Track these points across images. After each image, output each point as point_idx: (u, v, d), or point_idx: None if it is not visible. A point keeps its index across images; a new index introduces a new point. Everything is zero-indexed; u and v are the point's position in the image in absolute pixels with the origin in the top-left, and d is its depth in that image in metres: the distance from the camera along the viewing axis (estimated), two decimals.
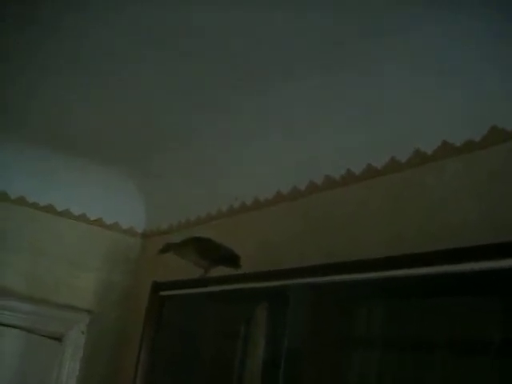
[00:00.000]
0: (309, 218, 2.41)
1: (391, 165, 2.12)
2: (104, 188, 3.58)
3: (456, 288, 1.57)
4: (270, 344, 2.07)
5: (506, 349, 1.41)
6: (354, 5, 1.74)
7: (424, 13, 1.70)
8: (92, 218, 3.61)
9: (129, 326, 3.46)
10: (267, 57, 2.10)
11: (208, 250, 2.45)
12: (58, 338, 3.39)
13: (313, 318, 1.98)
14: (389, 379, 1.75)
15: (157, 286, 2.67)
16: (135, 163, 3.32)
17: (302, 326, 1.99)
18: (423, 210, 1.93)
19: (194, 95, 2.45)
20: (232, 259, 2.39)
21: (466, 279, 1.52)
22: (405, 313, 1.71)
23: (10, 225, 3.38)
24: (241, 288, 2.22)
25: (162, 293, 2.65)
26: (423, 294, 1.66)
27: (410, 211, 1.98)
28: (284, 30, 1.92)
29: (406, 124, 2.07)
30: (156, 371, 2.59)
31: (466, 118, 1.90)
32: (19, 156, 3.29)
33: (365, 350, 1.86)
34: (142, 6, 1.89)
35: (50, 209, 3.48)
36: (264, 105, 2.42)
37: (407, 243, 1.88)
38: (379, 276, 1.74)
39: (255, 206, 2.76)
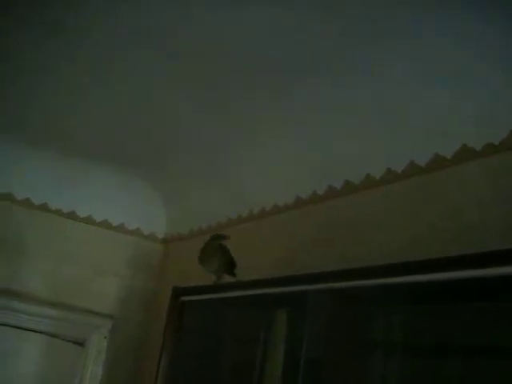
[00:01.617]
0: (328, 223, 2.40)
1: (410, 169, 2.11)
2: (126, 194, 3.61)
3: (476, 293, 1.56)
4: (290, 349, 2.07)
5: None
6: (356, 6, 1.75)
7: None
8: (114, 224, 3.65)
9: (150, 331, 3.48)
10: (287, 58, 2.09)
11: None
12: (81, 343, 3.43)
13: (332, 324, 1.98)
14: None
15: (177, 292, 2.69)
16: (157, 169, 3.35)
17: (321, 332, 1.99)
18: (442, 215, 1.92)
19: (216, 105, 2.46)
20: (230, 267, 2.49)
21: (485, 284, 1.51)
22: (424, 318, 1.70)
23: (33, 231, 3.42)
24: (260, 293, 2.22)
25: (183, 298, 2.67)
26: (443, 299, 1.65)
27: (428, 216, 1.97)
28: (294, 34, 1.93)
29: (424, 127, 2.05)
30: (177, 376, 2.61)
31: (485, 122, 1.89)
32: (41, 163, 3.33)
33: (384, 356, 1.85)
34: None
35: (72, 215, 3.53)
36: (286, 108, 2.42)
37: (426, 248, 1.87)
38: (398, 281, 1.74)
39: (274, 211, 2.77)
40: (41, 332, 3.33)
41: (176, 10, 1.90)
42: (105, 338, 3.47)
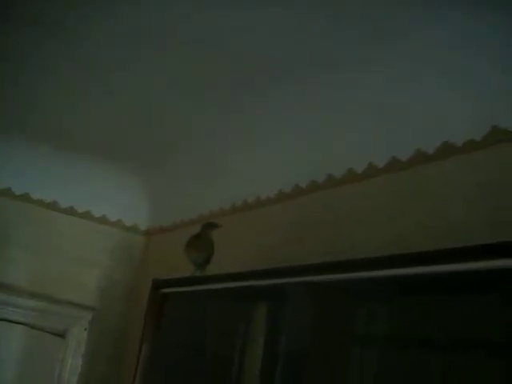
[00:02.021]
0: (310, 216, 2.41)
1: (392, 164, 2.12)
2: (108, 185, 3.58)
3: (457, 287, 1.57)
4: (269, 342, 2.07)
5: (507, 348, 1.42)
6: (356, 6, 1.75)
7: (424, 13, 1.70)
8: (96, 215, 3.62)
9: (131, 323, 3.47)
10: (274, 58, 2.10)
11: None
12: (61, 335, 3.41)
13: (311, 317, 1.98)
14: (387, 378, 1.74)
15: (158, 284, 2.68)
16: (139, 161, 3.33)
17: (300, 324, 1.99)
18: (424, 209, 1.93)
19: (197, 93, 2.45)
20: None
21: (467, 278, 1.52)
22: (404, 312, 1.71)
23: (15, 221, 3.39)
24: (241, 286, 2.22)
25: (163, 290, 2.66)
26: (422, 292, 1.66)
27: (410, 210, 1.98)
28: (290, 31, 1.93)
29: (407, 124, 2.06)
30: (156, 368, 2.60)
31: (466, 118, 1.90)
32: (23, 153, 3.30)
33: (363, 349, 1.86)
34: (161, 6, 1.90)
35: (54, 206, 3.50)
36: (269, 105, 2.42)
37: (408, 242, 1.88)
38: (379, 275, 1.75)
39: (257, 204, 2.76)
40: (21, 323, 3.30)
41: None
42: (85, 329, 3.45)
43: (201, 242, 2.53)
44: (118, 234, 3.68)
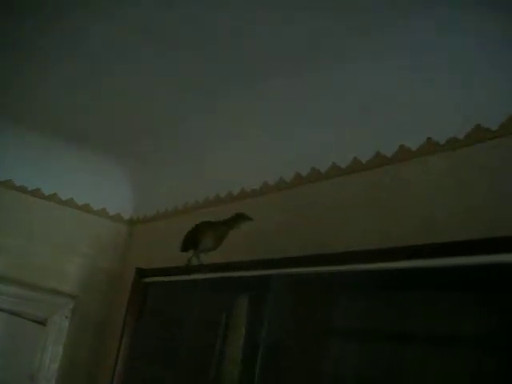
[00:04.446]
0: (294, 210, 2.42)
1: (376, 159, 2.14)
2: (92, 174, 3.58)
3: (437, 282, 1.59)
4: (251, 333, 2.09)
5: (481, 341, 1.44)
6: (343, 4, 1.76)
7: (411, 12, 1.72)
8: (79, 203, 3.61)
9: (113, 312, 3.47)
10: (257, 49, 2.10)
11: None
12: (42, 322, 3.40)
13: (294, 308, 1.99)
14: (366, 369, 1.76)
15: (141, 273, 2.68)
16: (124, 150, 3.32)
17: (282, 316, 2.01)
18: (407, 204, 1.95)
19: (187, 85, 2.45)
20: None
21: (447, 274, 1.54)
22: (386, 305, 1.73)
23: None
24: (223, 277, 2.23)
25: (146, 279, 2.66)
26: (404, 287, 1.68)
27: (392, 205, 2.00)
28: (277, 27, 1.94)
29: (391, 120, 2.08)
30: (138, 357, 2.60)
31: (451, 116, 1.92)
32: (6, 140, 3.28)
33: (343, 341, 1.88)
34: None
35: (37, 193, 3.48)
36: (255, 96, 2.42)
37: (390, 237, 1.90)
38: (361, 268, 1.76)
39: (242, 196, 2.78)
40: (1, 310, 3.29)
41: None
42: (66, 317, 3.45)
43: (222, 230, 2.39)
44: (102, 222, 3.68)
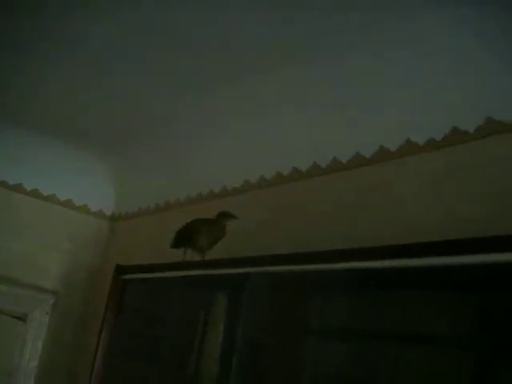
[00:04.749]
0: (275, 208, 2.43)
1: (356, 160, 2.15)
2: (75, 170, 3.55)
3: (414, 282, 1.61)
4: (229, 331, 2.09)
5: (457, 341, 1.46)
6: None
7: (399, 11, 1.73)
8: (61, 199, 3.59)
9: (94, 308, 3.46)
10: (241, 47, 2.10)
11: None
12: (22, 318, 3.37)
13: (272, 306, 2.01)
14: (345, 369, 1.77)
15: (120, 270, 2.68)
16: (107, 146, 3.30)
17: (260, 314, 2.02)
18: (385, 205, 1.97)
19: (169, 82, 2.44)
20: None
21: (424, 273, 1.56)
22: (363, 304, 1.74)
23: None
24: (202, 274, 2.23)
25: (125, 276, 2.66)
26: (383, 286, 1.70)
27: (372, 205, 2.01)
28: (262, 25, 1.94)
29: (370, 121, 2.10)
30: (117, 353, 2.60)
31: (429, 118, 1.94)
32: None
33: (321, 340, 1.89)
34: None
35: (19, 188, 3.45)
36: (238, 96, 2.42)
37: (368, 237, 1.91)
38: (339, 267, 1.78)
39: (223, 194, 2.78)
40: None
41: None
42: (47, 313, 3.43)
43: (215, 228, 2.37)
44: (83, 218, 3.65)
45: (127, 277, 2.66)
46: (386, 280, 1.68)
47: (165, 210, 3.23)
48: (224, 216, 2.37)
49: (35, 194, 3.50)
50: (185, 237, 2.44)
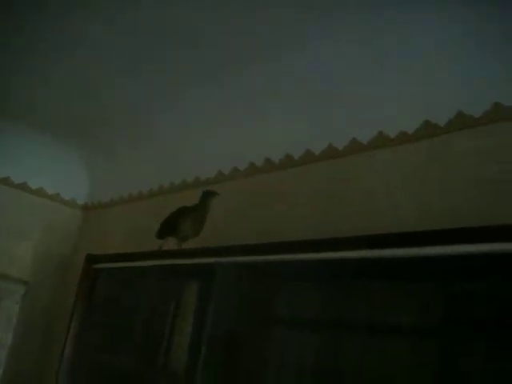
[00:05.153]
0: (248, 198, 2.43)
1: (328, 151, 2.16)
2: (47, 158, 3.51)
3: (382, 273, 1.62)
4: (199, 321, 2.09)
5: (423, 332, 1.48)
6: None
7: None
8: (33, 188, 3.54)
9: (64, 298, 3.42)
10: (215, 43, 2.09)
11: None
12: None
13: (241, 297, 2.01)
14: (310, 359, 1.78)
15: (91, 259, 2.66)
16: (81, 136, 3.26)
17: (230, 304, 2.02)
18: (356, 196, 1.98)
19: (143, 72, 2.42)
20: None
21: (392, 264, 1.57)
22: (333, 294, 1.75)
23: None
24: (172, 264, 2.23)
25: (96, 265, 2.63)
26: (351, 276, 1.71)
27: (343, 196, 2.02)
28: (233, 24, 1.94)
29: (344, 113, 2.10)
30: (86, 343, 2.58)
31: (402, 111, 1.95)
32: None
33: (289, 330, 1.89)
34: None
35: None
36: (215, 86, 2.41)
37: (338, 228, 1.92)
38: (307, 258, 1.79)
39: (196, 184, 2.77)
40: None
41: None
42: (17, 303, 3.39)
43: (199, 213, 2.33)
44: (55, 207, 3.61)
45: (99, 266, 2.64)
46: (356, 270, 1.69)
47: (138, 199, 3.21)
48: (209, 195, 2.35)
49: (6, 182, 3.45)
50: (169, 227, 2.40)
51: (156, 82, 2.47)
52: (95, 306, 2.61)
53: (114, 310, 2.59)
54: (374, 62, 1.92)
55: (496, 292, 1.35)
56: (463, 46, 1.72)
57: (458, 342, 1.41)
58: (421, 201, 1.77)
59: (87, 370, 2.57)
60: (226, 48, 2.10)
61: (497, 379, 1.29)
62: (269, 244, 1.91)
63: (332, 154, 2.15)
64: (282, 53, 2.06)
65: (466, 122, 1.74)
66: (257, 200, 2.38)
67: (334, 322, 1.74)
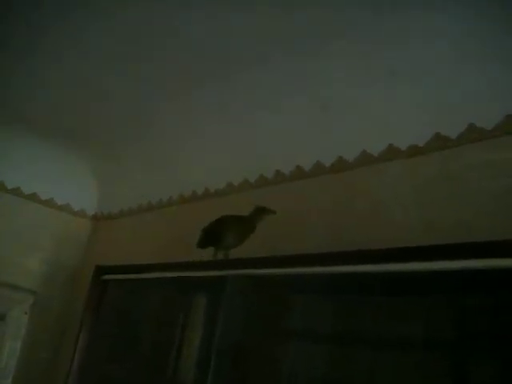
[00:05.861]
0: None
1: (338, 164, 2.15)
2: (58, 169, 3.52)
3: (392, 286, 1.61)
4: (208, 333, 2.08)
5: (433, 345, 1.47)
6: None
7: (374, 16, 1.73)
8: (43, 198, 3.55)
9: (73, 309, 3.42)
10: (225, 50, 2.10)
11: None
12: (1, 317, 3.34)
13: (250, 310, 2.00)
14: (321, 371, 1.77)
15: (100, 270, 2.66)
16: (91, 147, 3.28)
17: (238, 316, 2.01)
18: (366, 208, 1.97)
19: (155, 84, 2.43)
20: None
21: (404, 279, 1.56)
22: (344, 308, 1.74)
23: None
24: (182, 276, 2.22)
25: (105, 277, 2.63)
26: (359, 290, 1.70)
27: (352, 208, 2.02)
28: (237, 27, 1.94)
29: (355, 125, 2.10)
30: (95, 354, 2.58)
31: (413, 123, 1.95)
32: None
33: (299, 342, 1.89)
34: None
35: (0, 186, 3.42)
36: (223, 98, 2.41)
37: (349, 241, 1.91)
38: (318, 271, 1.78)
39: (205, 196, 2.77)
40: None
41: None
42: (26, 313, 3.39)
43: (244, 226, 2.22)
44: (65, 218, 3.62)
45: (107, 277, 2.64)
46: (367, 284, 1.68)
47: (147, 210, 3.21)
48: (261, 211, 2.22)
49: (17, 192, 3.46)
50: (213, 236, 2.26)
51: (164, 96, 2.48)
52: (104, 317, 2.61)
53: (123, 321, 2.59)
54: (386, 75, 1.92)
55: (506, 306, 1.34)
56: (475, 59, 1.72)
57: (468, 357, 1.40)
58: (431, 214, 1.76)
59: (96, 380, 2.57)
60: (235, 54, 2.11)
61: None
62: (278, 257, 1.90)
63: (342, 167, 2.14)
64: (295, 65, 2.07)
65: (477, 135, 1.74)
66: None
67: (344, 335, 1.73)
